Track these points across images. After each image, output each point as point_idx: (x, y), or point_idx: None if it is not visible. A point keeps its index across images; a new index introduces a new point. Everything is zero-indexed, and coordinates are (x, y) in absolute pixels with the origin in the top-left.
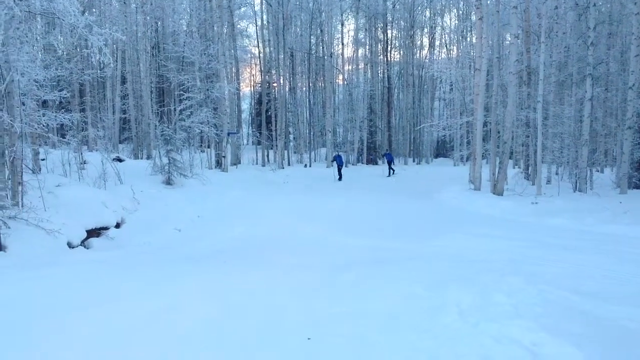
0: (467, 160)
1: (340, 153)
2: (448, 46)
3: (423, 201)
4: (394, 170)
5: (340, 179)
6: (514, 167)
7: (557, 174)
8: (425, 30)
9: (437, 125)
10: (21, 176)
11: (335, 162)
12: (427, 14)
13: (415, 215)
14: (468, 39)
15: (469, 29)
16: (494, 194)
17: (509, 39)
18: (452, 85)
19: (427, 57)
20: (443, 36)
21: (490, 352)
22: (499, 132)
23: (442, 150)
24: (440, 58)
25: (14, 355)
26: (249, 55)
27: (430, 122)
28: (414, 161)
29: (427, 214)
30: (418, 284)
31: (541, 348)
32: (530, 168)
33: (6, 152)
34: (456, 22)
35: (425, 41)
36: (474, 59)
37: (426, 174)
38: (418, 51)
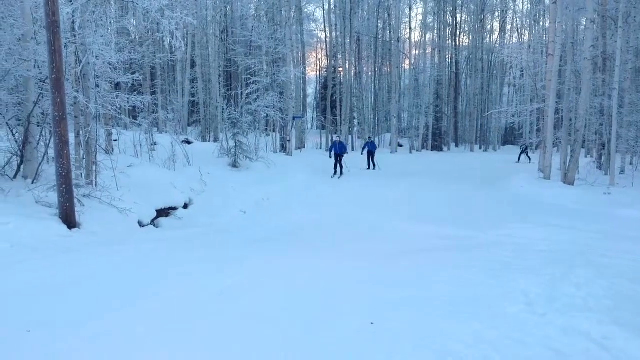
0: (536, 149)
1: (341, 139)
2: (520, 30)
3: (489, 189)
4: (374, 165)
5: (336, 173)
6: (586, 156)
7: (631, 164)
8: (496, 14)
9: (506, 112)
10: (95, 156)
11: (332, 150)
12: None
13: (480, 203)
14: (541, 23)
15: (542, 12)
16: (564, 183)
17: (584, 23)
18: (522, 71)
19: (498, 42)
20: (515, 20)
21: (557, 344)
22: (571, 120)
23: (510, 137)
24: (511, 43)
25: (91, 326)
26: (315, 40)
27: (499, 108)
28: (480, 148)
29: (492, 202)
30: (482, 272)
31: (611, 342)
32: (603, 157)
33: (81, 132)
34: (529, 5)
35: (496, 25)
36: (547, 44)
37: (493, 162)
38: (488, 35)
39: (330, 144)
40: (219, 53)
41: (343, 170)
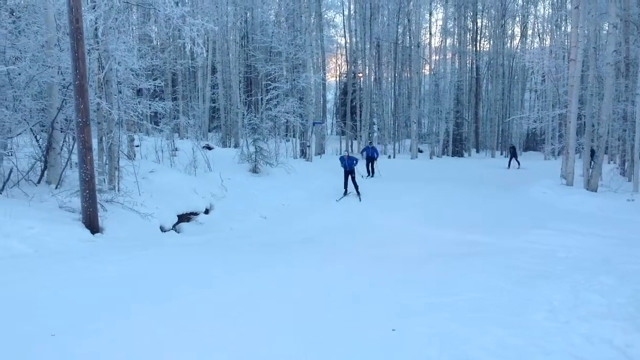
0: (558, 154)
1: (349, 154)
2: (541, 35)
3: (510, 195)
4: (373, 171)
5: (346, 193)
6: (609, 163)
7: None
8: (517, 19)
9: (527, 118)
10: (118, 162)
11: (344, 166)
12: (520, 2)
13: (502, 209)
14: (563, 28)
15: (563, 18)
16: (587, 189)
17: (607, 28)
18: (544, 77)
19: (519, 47)
20: (536, 25)
21: (580, 351)
22: (593, 126)
23: (531, 143)
24: (532, 48)
25: (113, 329)
26: (335, 45)
27: (520, 114)
28: (501, 154)
29: (514, 208)
30: (505, 279)
31: (635, 349)
32: (626, 164)
33: (104, 138)
34: (550, 10)
35: (517, 30)
36: (569, 49)
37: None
38: (509, 41)
39: (341, 155)
40: (240, 59)
41: (358, 190)
